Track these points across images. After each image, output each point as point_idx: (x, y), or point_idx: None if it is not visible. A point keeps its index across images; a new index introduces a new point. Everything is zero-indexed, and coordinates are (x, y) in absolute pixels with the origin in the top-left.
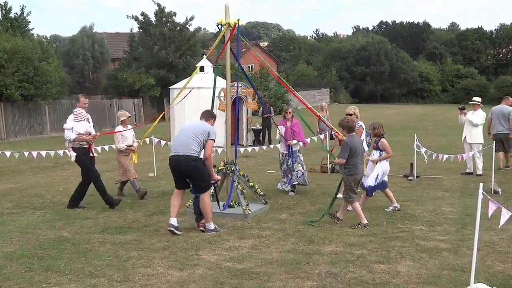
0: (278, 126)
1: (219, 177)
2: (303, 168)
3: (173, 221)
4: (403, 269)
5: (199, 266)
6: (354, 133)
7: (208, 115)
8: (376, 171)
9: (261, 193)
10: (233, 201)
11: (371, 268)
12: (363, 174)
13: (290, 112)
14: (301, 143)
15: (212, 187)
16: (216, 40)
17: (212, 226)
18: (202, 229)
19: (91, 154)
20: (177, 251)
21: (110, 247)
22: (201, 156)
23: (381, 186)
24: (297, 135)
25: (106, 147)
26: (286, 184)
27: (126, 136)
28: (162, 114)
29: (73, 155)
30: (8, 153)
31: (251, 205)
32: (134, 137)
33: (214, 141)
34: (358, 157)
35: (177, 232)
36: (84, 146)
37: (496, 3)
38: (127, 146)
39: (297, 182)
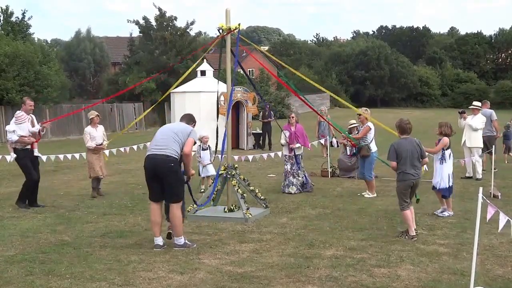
0: (284, 131)
1: (193, 172)
2: (305, 175)
3: (159, 240)
4: (403, 273)
5: (200, 270)
6: (406, 136)
7: (189, 119)
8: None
9: (262, 197)
10: (234, 205)
11: (371, 272)
12: (417, 180)
13: (293, 117)
14: (299, 145)
15: (186, 185)
16: (214, 43)
17: (182, 240)
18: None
19: (35, 154)
20: (178, 255)
21: (111, 251)
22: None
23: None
24: (300, 139)
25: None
26: (292, 186)
27: (94, 136)
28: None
29: (12, 156)
30: (8, 157)
31: (252, 209)
32: (105, 136)
33: (195, 143)
34: (407, 161)
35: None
36: (26, 148)
37: (495, 8)
38: (97, 144)
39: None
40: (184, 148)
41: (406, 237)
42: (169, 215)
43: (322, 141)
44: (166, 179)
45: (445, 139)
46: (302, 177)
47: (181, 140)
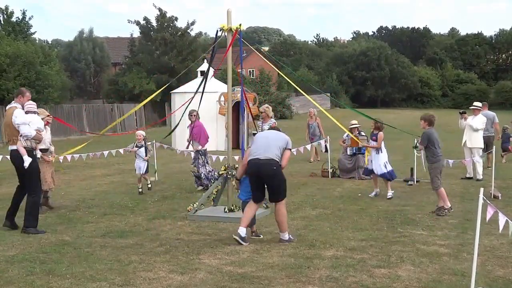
0: (189, 128)
1: None
2: (205, 171)
3: (241, 231)
4: (403, 274)
5: (200, 270)
6: (433, 127)
7: (278, 129)
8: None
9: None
10: (234, 205)
11: (371, 273)
12: (443, 164)
13: (194, 115)
14: (199, 147)
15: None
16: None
17: (286, 236)
18: (254, 236)
19: (38, 156)
20: (178, 255)
21: (112, 251)
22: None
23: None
24: (196, 137)
25: (106, 152)
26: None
27: (43, 139)
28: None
29: (27, 159)
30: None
31: None
32: (50, 140)
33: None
34: (436, 147)
35: (242, 243)
36: (33, 148)
37: (495, 9)
38: (40, 150)
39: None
40: (282, 161)
41: (446, 211)
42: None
43: (311, 145)
44: (270, 181)
45: (382, 134)
46: (207, 170)
47: (280, 146)
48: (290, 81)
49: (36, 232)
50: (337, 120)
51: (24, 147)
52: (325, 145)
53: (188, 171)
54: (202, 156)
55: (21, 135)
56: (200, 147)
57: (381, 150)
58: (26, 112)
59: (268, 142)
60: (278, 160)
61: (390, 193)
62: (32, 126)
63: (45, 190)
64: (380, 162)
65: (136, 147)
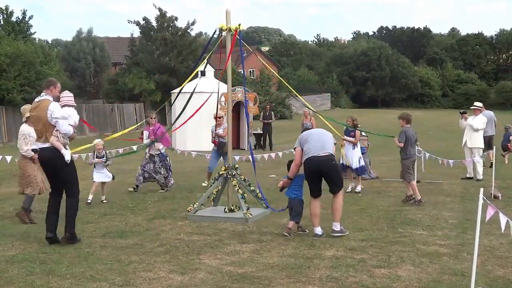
0: (144, 131)
1: None
2: (167, 172)
3: (318, 230)
4: (403, 274)
5: (200, 270)
6: (409, 125)
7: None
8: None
9: (260, 197)
10: (234, 205)
11: (372, 273)
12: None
13: (154, 118)
14: (161, 146)
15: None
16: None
17: (338, 227)
18: (300, 231)
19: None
20: (178, 255)
21: (112, 251)
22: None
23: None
24: (157, 137)
25: (113, 151)
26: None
27: (33, 137)
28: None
29: (67, 152)
30: (9, 158)
31: (252, 209)
32: None
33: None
34: (409, 145)
35: (320, 237)
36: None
37: (496, 9)
38: (33, 150)
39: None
40: None
41: (417, 203)
42: None
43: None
44: (331, 174)
45: (358, 131)
46: (165, 174)
47: (331, 142)
48: (283, 81)
49: (76, 240)
50: (337, 120)
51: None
52: None
53: (188, 172)
54: (165, 159)
55: (56, 131)
56: (161, 147)
57: (356, 145)
58: (63, 106)
59: (322, 140)
60: (334, 155)
61: (359, 187)
62: (69, 121)
63: (32, 194)
64: (355, 157)
65: (97, 157)
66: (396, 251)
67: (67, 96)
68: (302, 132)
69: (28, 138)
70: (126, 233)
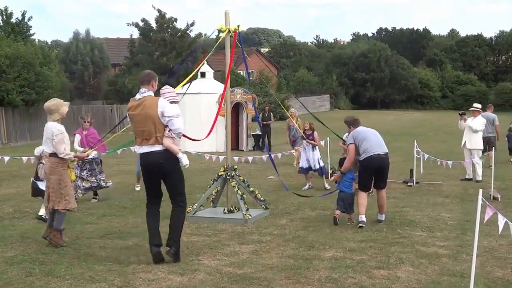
0: (76, 134)
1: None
2: (96, 180)
3: (363, 217)
4: (402, 275)
5: (199, 271)
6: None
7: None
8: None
9: (261, 198)
10: (233, 206)
11: (371, 274)
12: None
13: (88, 121)
14: (94, 153)
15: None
16: (214, 45)
17: (384, 216)
18: (349, 223)
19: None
20: None
21: (111, 252)
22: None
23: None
24: (91, 144)
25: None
26: (78, 191)
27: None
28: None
29: (184, 156)
30: (6, 158)
31: (251, 210)
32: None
33: None
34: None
35: (363, 226)
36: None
37: (495, 10)
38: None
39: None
40: None
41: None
42: None
43: (294, 150)
44: (384, 171)
45: (316, 133)
46: (94, 181)
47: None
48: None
49: (179, 258)
50: (336, 122)
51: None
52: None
53: (188, 172)
54: (98, 166)
55: (169, 131)
56: (94, 154)
57: (316, 148)
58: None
59: (378, 139)
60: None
61: (327, 185)
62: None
63: (65, 209)
64: (315, 158)
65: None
66: (395, 252)
67: (170, 91)
68: (291, 134)
69: (66, 138)
70: (125, 234)
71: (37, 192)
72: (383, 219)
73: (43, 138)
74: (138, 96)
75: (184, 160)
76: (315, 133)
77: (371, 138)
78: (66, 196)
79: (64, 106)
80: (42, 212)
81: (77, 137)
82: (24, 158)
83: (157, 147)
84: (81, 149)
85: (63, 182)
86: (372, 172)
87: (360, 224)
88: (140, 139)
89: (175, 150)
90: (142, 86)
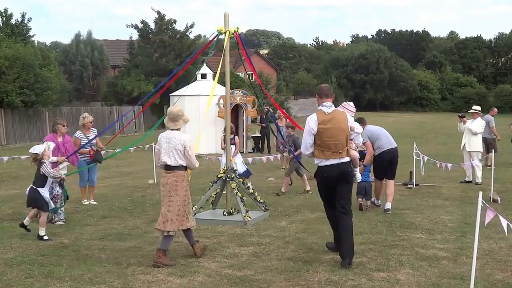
0: (50, 143)
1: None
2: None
3: (378, 201)
4: (402, 277)
5: (199, 273)
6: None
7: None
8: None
9: (261, 200)
10: (233, 208)
11: (370, 276)
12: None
13: (64, 126)
14: (65, 164)
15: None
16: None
17: (390, 205)
18: (369, 210)
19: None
20: (177, 258)
21: (110, 254)
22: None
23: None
24: (68, 152)
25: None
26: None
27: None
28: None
29: (357, 169)
30: (5, 158)
31: (251, 212)
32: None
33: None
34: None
35: (389, 211)
36: None
37: (495, 12)
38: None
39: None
40: None
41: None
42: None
43: (286, 152)
44: (395, 163)
45: (237, 138)
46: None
47: None
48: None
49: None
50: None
51: None
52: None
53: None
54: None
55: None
56: (64, 165)
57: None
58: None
59: (388, 136)
60: None
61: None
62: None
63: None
64: (239, 162)
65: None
66: (395, 254)
67: (353, 108)
68: (281, 134)
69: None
70: (125, 235)
71: (35, 201)
72: (390, 207)
73: (163, 149)
74: (326, 109)
75: (358, 174)
76: (236, 137)
77: (384, 136)
78: (189, 214)
79: (185, 113)
80: (27, 221)
81: (51, 145)
82: (23, 158)
83: (347, 158)
84: (55, 158)
85: (188, 198)
86: (386, 165)
87: (387, 212)
88: (329, 152)
89: (357, 161)
90: (326, 100)
